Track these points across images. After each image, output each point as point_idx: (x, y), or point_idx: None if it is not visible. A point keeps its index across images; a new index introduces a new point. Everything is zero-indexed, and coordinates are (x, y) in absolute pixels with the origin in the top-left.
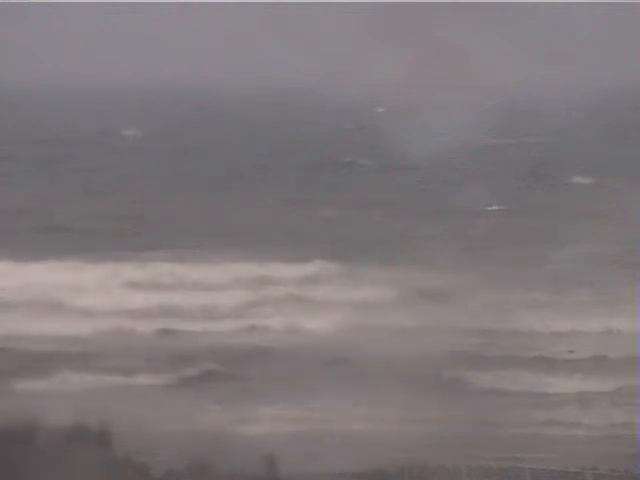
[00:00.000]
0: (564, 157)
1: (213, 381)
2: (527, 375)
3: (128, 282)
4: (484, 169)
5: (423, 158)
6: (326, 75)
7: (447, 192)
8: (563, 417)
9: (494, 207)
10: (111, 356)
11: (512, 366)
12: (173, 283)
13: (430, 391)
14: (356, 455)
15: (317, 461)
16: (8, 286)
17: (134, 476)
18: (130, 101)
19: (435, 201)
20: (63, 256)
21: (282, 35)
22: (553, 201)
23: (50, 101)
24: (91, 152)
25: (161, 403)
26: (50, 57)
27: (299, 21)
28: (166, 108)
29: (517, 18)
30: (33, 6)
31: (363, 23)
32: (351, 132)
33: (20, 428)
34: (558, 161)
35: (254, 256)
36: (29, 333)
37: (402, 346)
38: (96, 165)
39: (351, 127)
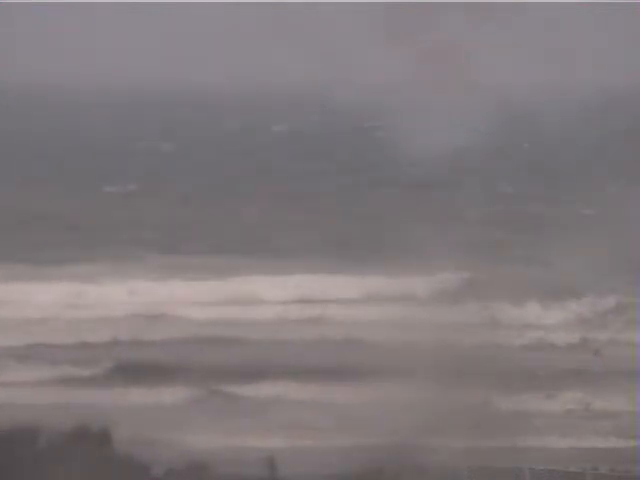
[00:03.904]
0: (563, 159)
1: None
2: None
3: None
4: (483, 170)
5: (424, 159)
6: (327, 76)
7: (446, 194)
8: None
9: (495, 208)
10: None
11: None
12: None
13: None
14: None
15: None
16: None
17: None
18: (130, 102)
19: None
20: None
21: (281, 36)
22: (553, 204)
23: (49, 101)
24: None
25: None
26: (50, 57)
27: (299, 21)
28: (166, 109)
29: (517, 18)
30: (33, 6)
31: (363, 23)
32: (353, 133)
33: None
34: (557, 163)
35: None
36: None
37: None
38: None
39: (352, 128)
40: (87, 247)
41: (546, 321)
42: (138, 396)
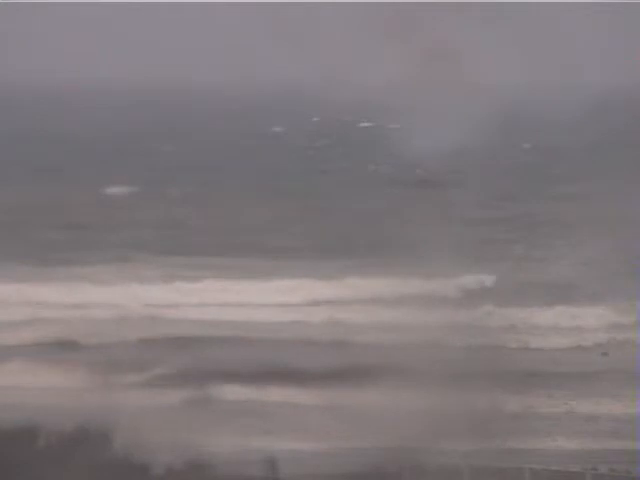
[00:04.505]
0: (563, 159)
1: None
2: None
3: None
4: (483, 170)
5: (423, 161)
6: (326, 76)
7: (446, 194)
8: None
9: (495, 211)
10: None
11: None
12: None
13: None
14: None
15: None
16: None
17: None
18: (130, 102)
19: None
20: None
21: (281, 36)
22: (553, 204)
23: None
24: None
25: None
26: (51, 57)
27: (298, 21)
28: (166, 109)
29: (517, 18)
30: (33, 6)
31: (363, 23)
32: (354, 134)
33: None
34: (557, 163)
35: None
36: None
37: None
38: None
39: (351, 128)
40: (87, 247)
41: (546, 322)
42: (138, 397)
